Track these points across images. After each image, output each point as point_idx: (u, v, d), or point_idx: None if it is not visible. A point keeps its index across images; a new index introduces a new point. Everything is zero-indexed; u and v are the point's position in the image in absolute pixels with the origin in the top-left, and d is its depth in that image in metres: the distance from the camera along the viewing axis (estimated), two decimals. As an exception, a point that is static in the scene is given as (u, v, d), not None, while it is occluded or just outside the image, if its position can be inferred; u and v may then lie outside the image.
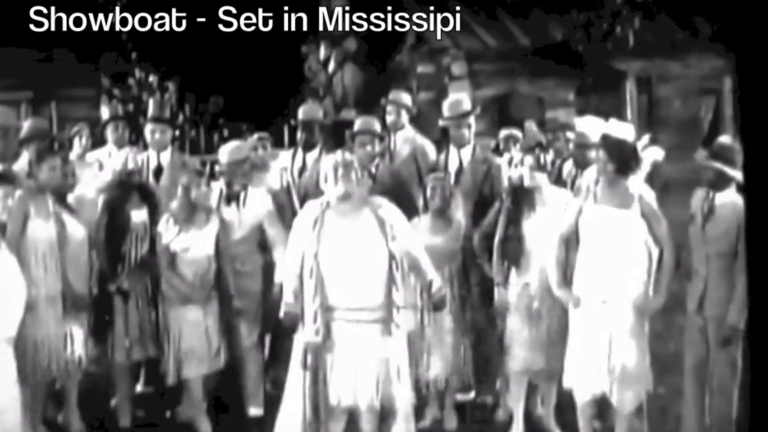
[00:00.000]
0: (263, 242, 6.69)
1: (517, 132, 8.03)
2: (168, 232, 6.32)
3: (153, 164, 7.31)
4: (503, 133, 8.19)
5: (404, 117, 7.76)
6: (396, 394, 5.36)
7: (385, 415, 5.40)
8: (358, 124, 7.31)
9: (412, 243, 5.52)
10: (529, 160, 6.26)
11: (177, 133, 8.83)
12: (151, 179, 7.22)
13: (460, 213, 6.44)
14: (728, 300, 5.57)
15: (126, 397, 6.62)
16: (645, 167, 5.96)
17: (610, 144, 5.84)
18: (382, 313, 5.32)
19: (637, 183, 5.91)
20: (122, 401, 6.61)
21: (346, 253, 5.30)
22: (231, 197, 6.66)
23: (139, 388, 6.97)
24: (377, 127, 7.28)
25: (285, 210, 6.91)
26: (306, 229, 5.40)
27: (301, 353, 5.34)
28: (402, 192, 6.38)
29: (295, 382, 5.39)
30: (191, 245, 6.32)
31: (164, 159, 7.32)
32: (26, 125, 7.28)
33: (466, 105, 7.30)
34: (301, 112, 7.82)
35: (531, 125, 7.90)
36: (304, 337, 5.35)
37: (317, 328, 5.28)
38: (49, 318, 6.00)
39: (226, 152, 6.76)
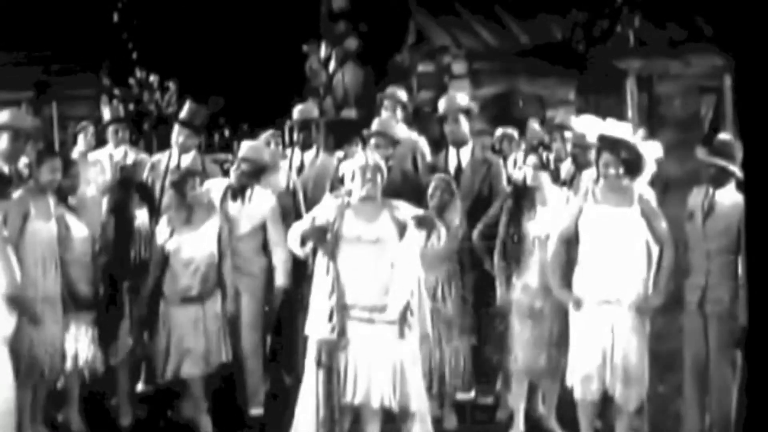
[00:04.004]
0: (267, 244, 6.68)
1: (512, 131, 8.03)
2: (161, 232, 6.34)
3: (173, 164, 7.27)
4: (498, 132, 8.19)
5: (399, 114, 7.74)
6: (412, 396, 5.38)
7: (402, 417, 5.42)
8: (375, 125, 7.27)
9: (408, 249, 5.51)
10: (532, 159, 6.26)
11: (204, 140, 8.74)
12: (167, 179, 7.19)
13: (457, 214, 6.44)
14: (730, 297, 5.57)
15: (126, 396, 6.62)
16: (651, 169, 5.95)
17: (614, 146, 5.82)
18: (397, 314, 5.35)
19: (637, 182, 5.90)
20: (123, 400, 6.61)
21: (364, 254, 5.32)
22: (236, 193, 6.66)
23: (139, 387, 6.96)
24: (393, 130, 7.25)
25: (289, 211, 6.90)
26: (322, 222, 5.44)
27: (315, 351, 5.37)
28: (397, 189, 6.35)
29: (310, 379, 5.42)
30: (185, 245, 6.31)
31: (185, 161, 7.26)
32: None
33: (461, 100, 7.28)
34: (297, 112, 7.80)
35: (534, 124, 7.89)
36: (318, 335, 5.37)
37: (332, 326, 5.32)
38: (47, 319, 5.97)
39: (245, 147, 6.78)
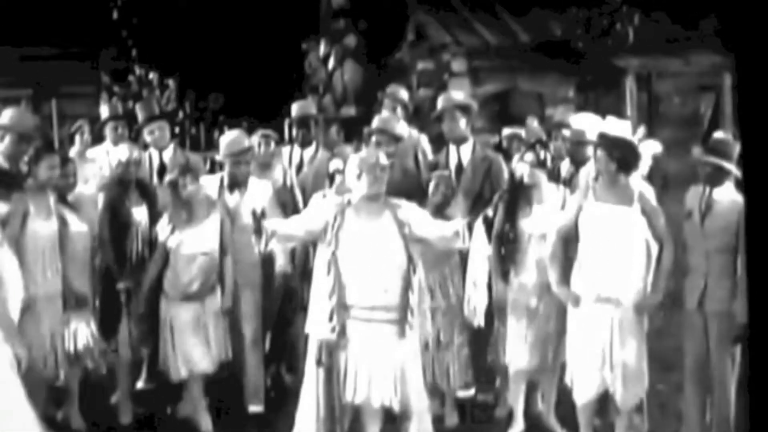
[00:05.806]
0: None
1: (520, 131, 8.00)
2: (162, 230, 6.33)
3: (156, 163, 7.29)
4: (506, 131, 8.16)
5: (399, 112, 7.74)
6: (412, 396, 5.39)
7: (402, 416, 5.42)
8: (376, 122, 7.25)
9: (427, 223, 5.53)
10: (529, 156, 6.26)
11: (176, 127, 8.79)
12: (155, 178, 7.20)
13: (459, 210, 6.43)
14: (730, 296, 5.56)
15: (127, 393, 6.62)
16: (646, 163, 5.94)
17: (608, 143, 5.82)
18: (398, 314, 5.36)
19: (637, 179, 5.90)
20: (123, 398, 6.61)
21: (365, 254, 5.33)
22: (233, 186, 6.65)
23: (139, 384, 6.96)
24: (395, 127, 7.23)
25: (287, 208, 6.89)
26: (321, 220, 5.43)
27: (315, 350, 5.37)
28: (398, 187, 6.34)
29: (311, 379, 5.42)
30: (186, 242, 6.30)
31: (167, 157, 7.29)
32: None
33: (458, 97, 7.29)
34: (295, 109, 7.79)
35: (532, 121, 7.88)
36: (319, 335, 5.37)
37: (333, 326, 5.31)
38: (48, 317, 5.98)
39: (225, 144, 6.76)
